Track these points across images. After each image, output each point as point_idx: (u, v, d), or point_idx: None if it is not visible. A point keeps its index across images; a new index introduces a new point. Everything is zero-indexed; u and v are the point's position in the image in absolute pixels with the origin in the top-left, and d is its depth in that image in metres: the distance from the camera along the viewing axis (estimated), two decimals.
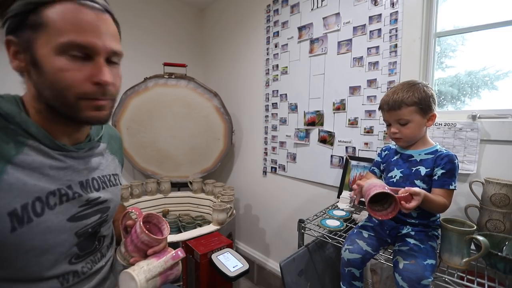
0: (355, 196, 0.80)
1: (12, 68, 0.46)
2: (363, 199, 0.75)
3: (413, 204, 0.69)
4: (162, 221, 0.64)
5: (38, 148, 0.47)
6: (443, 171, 0.79)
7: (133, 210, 0.63)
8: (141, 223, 0.57)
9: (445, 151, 0.82)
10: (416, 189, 0.70)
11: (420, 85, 0.81)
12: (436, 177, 0.80)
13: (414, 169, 0.84)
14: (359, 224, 0.95)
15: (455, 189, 0.79)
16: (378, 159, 0.99)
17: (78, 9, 0.43)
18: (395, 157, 0.91)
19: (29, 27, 0.42)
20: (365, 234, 0.87)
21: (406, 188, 0.71)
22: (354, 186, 0.80)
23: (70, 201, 0.51)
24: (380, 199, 0.74)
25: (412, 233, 0.83)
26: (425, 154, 0.84)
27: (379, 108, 0.89)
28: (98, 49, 0.45)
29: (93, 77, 0.45)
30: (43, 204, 0.47)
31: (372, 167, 1.01)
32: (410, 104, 0.80)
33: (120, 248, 0.60)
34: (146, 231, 0.57)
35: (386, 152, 0.97)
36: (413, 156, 0.87)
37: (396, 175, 0.88)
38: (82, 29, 0.43)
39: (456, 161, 0.80)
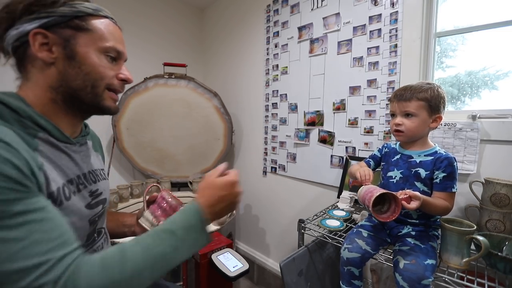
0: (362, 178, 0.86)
1: (39, 57, 0.49)
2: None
3: (413, 205, 0.71)
4: (175, 196, 0.72)
5: (47, 140, 0.50)
6: (444, 174, 0.79)
7: (156, 185, 0.78)
8: (168, 192, 0.69)
9: (444, 153, 0.82)
10: (416, 192, 0.73)
11: (434, 85, 0.83)
12: (437, 180, 0.81)
13: (413, 170, 0.84)
14: (359, 223, 0.95)
15: (456, 191, 0.80)
16: (378, 154, 0.99)
17: (113, 25, 0.57)
18: (396, 157, 0.91)
19: (72, 28, 0.51)
20: (365, 233, 0.88)
21: (406, 190, 0.74)
22: (357, 175, 0.88)
23: (82, 191, 0.55)
24: (380, 202, 0.76)
25: (413, 233, 0.83)
26: (424, 155, 0.85)
27: (389, 100, 0.90)
28: (124, 55, 0.59)
29: (119, 75, 0.58)
30: (69, 189, 0.50)
31: (368, 159, 1.01)
32: (420, 99, 0.81)
33: (147, 217, 0.67)
34: (174, 196, 0.68)
35: (386, 150, 0.97)
36: (412, 157, 0.87)
37: (396, 176, 0.88)
38: (118, 40, 0.57)
39: (455, 163, 0.80)
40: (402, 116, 0.84)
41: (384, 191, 0.72)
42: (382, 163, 0.97)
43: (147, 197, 0.72)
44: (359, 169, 0.89)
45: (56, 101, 0.52)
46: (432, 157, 0.83)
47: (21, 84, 0.52)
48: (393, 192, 0.73)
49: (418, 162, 0.85)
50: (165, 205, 0.67)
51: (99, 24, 0.53)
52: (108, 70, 0.55)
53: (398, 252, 0.79)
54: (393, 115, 0.88)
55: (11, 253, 0.36)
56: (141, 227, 0.68)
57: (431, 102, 0.80)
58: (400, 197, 0.72)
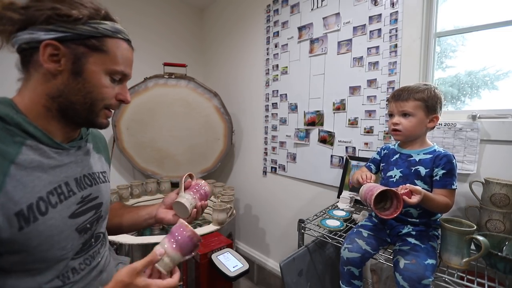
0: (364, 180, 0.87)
1: (45, 67, 0.49)
2: (359, 198, 0.77)
3: (415, 199, 0.71)
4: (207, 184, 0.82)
5: (36, 147, 0.50)
6: (444, 171, 0.80)
7: (191, 173, 0.83)
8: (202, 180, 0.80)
9: (443, 151, 0.83)
10: (416, 186, 0.73)
11: (431, 86, 0.84)
12: (437, 178, 0.81)
13: (413, 169, 0.85)
14: (359, 223, 0.95)
15: (456, 188, 0.80)
16: (377, 157, 1.00)
17: (128, 49, 0.58)
18: (395, 157, 0.91)
19: (87, 46, 0.51)
20: (365, 233, 0.88)
21: (406, 185, 0.74)
22: (359, 178, 0.88)
23: (67, 199, 0.54)
24: (380, 200, 0.76)
25: (413, 232, 0.83)
26: (423, 154, 0.85)
27: (387, 101, 0.91)
28: (129, 78, 0.60)
29: (119, 95, 0.59)
30: (46, 203, 0.49)
31: (368, 163, 1.01)
32: (417, 99, 0.82)
33: (186, 197, 0.76)
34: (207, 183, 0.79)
35: (385, 151, 0.97)
36: (412, 156, 0.87)
37: (396, 175, 0.88)
38: (127, 63, 0.58)
39: (454, 160, 0.81)
40: (399, 115, 0.86)
41: (385, 188, 0.72)
42: (381, 164, 0.97)
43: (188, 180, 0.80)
44: (360, 173, 0.90)
45: (51, 109, 0.52)
46: (431, 155, 0.83)
47: (22, 85, 0.52)
48: (394, 188, 0.73)
49: (417, 160, 0.85)
50: (201, 190, 0.77)
51: (115, 47, 0.54)
52: (110, 90, 0.56)
53: (398, 252, 0.79)
54: (391, 115, 0.89)
55: None
56: (177, 209, 0.75)
57: (428, 102, 0.82)
58: (401, 192, 0.72)
